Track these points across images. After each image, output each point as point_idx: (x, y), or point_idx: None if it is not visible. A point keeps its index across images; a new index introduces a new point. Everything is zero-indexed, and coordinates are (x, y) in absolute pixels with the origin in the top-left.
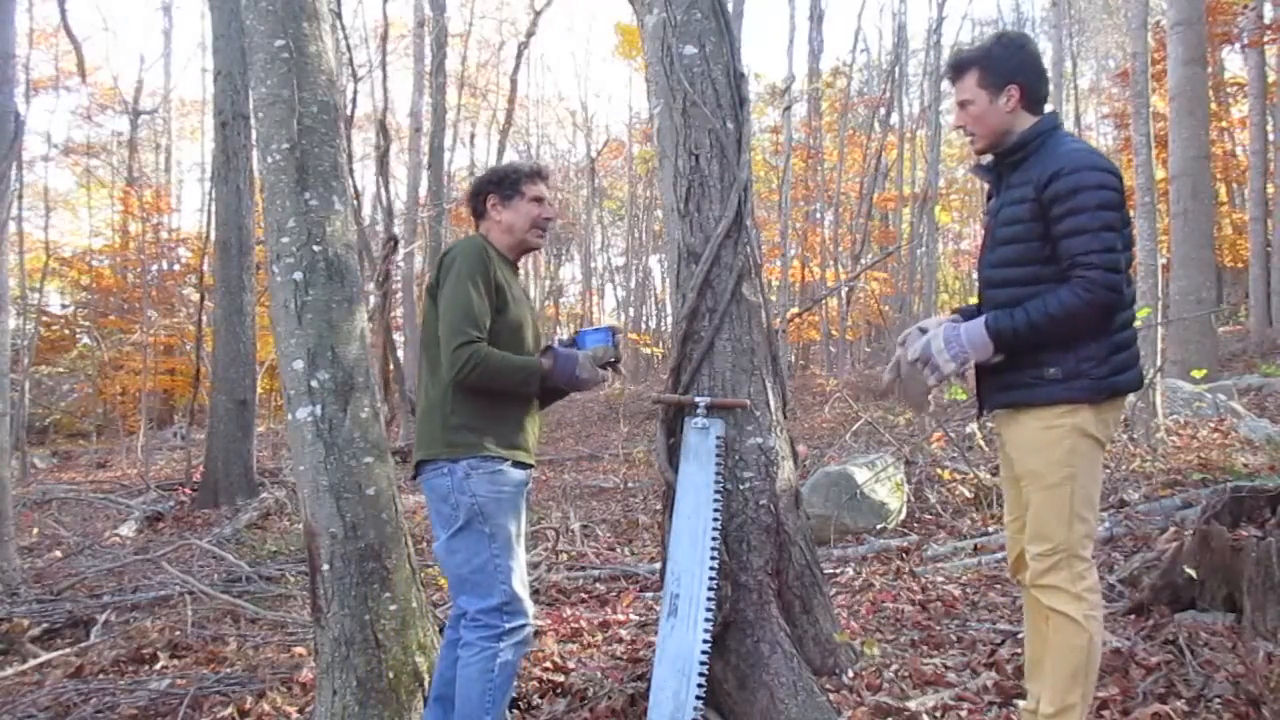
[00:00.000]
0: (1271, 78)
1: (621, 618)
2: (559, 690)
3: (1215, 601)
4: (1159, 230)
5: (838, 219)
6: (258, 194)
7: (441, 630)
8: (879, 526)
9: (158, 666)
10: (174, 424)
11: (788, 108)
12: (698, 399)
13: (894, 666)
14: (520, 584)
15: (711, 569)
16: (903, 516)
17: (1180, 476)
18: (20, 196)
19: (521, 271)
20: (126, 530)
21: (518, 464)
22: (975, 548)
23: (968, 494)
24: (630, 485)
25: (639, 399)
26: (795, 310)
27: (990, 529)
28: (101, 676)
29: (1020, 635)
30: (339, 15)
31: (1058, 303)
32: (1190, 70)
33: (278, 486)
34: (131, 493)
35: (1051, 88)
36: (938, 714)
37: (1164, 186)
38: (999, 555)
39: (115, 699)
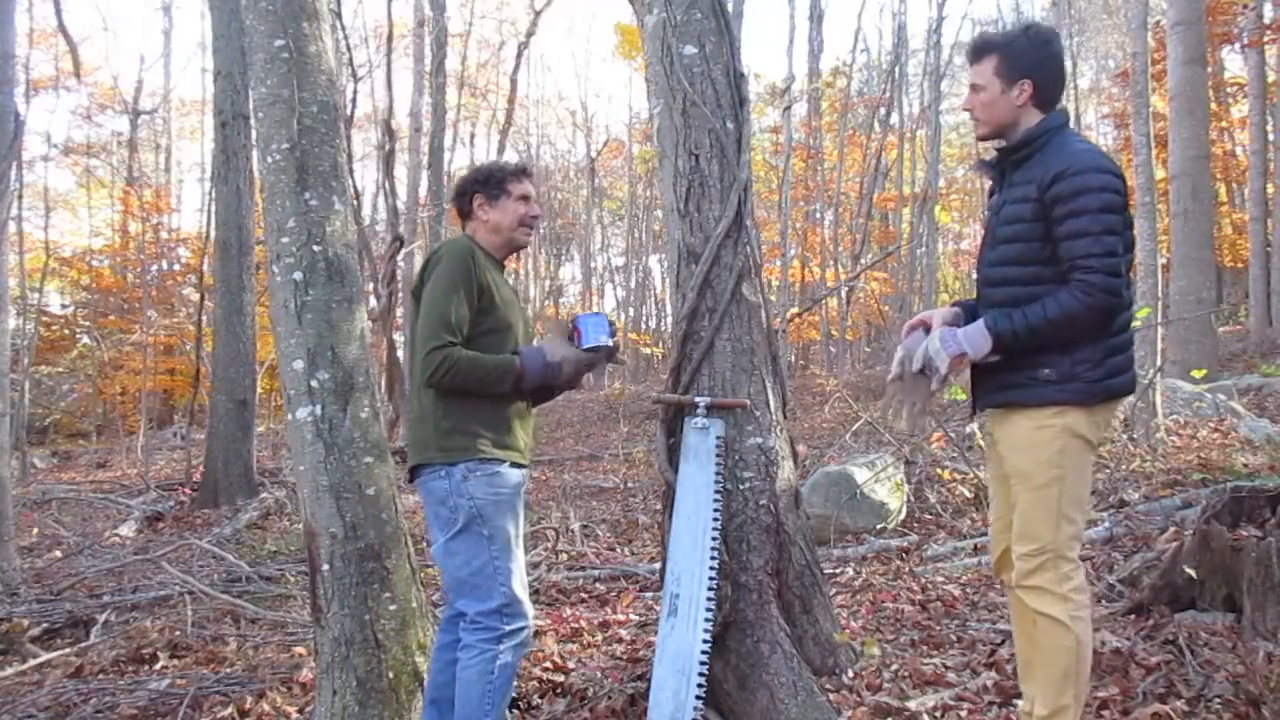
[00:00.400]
0: (1271, 78)
1: (621, 618)
2: (559, 690)
3: (1215, 601)
4: (1159, 230)
5: (838, 219)
6: (258, 194)
7: None
8: (879, 526)
9: (158, 666)
10: (174, 424)
11: (788, 108)
12: (698, 399)
13: (894, 666)
14: (519, 585)
15: (711, 569)
16: (903, 516)
17: (1180, 476)
18: (20, 196)
19: (521, 271)
20: (126, 530)
21: (514, 465)
22: (975, 548)
23: (968, 494)
24: (630, 485)
25: (639, 399)
26: (795, 310)
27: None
28: (101, 676)
29: None
30: (339, 15)
31: (1057, 306)
32: (1190, 70)
33: (278, 486)
34: (131, 493)
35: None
36: (938, 714)
37: (1164, 186)
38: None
39: (115, 699)
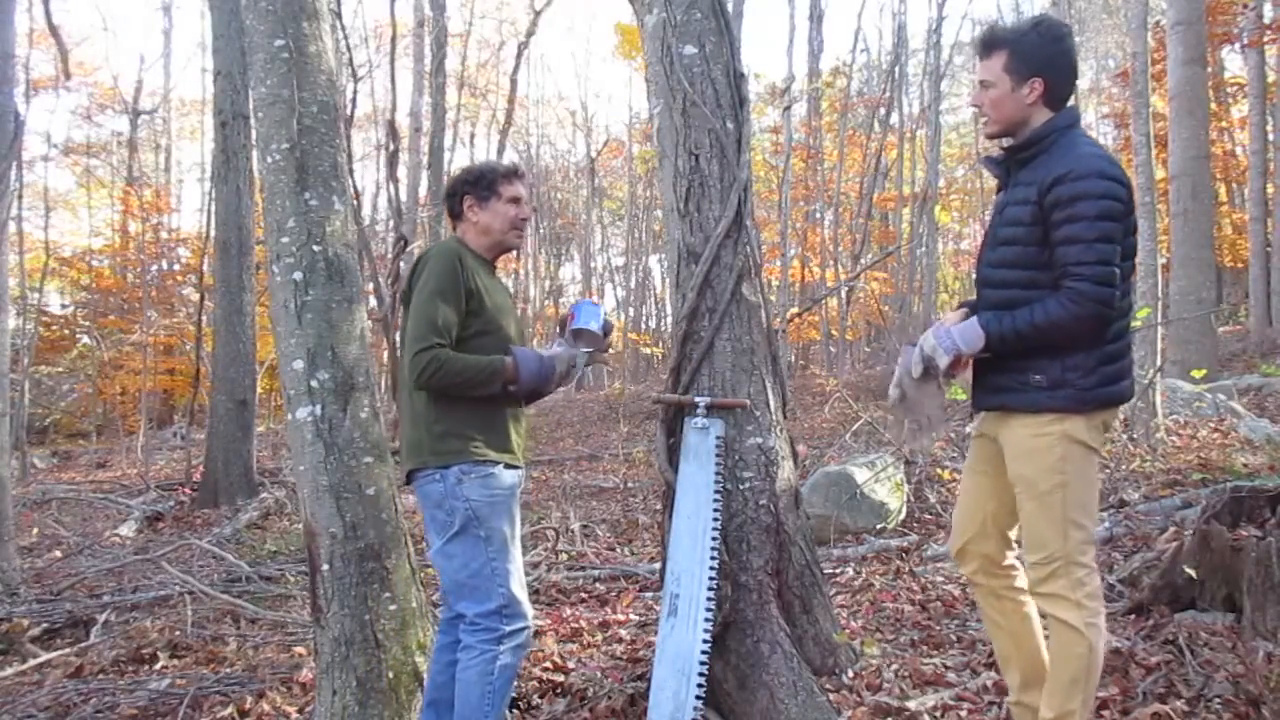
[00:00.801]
0: (1271, 78)
1: (621, 618)
2: (559, 690)
3: (1215, 601)
4: (1159, 230)
5: (838, 219)
6: (258, 194)
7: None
8: (879, 526)
9: (158, 666)
10: (174, 424)
11: (788, 108)
12: (698, 399)
13: (894, 666)
14: (518, 586)
15: (711, 569)
16: (903, 516)
17: (1180, 476)
18: (20, 196)
19: (521, 271)
20: (126, 530)
21: (508, 466)
22: None
23: None
24: (630, 485)
25: (639, 399)
26: (795, 310)
27: None
28: (101, 676)
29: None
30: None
31: (1044, 313)
32: (1190, 70)
33: (278, 486)
34: (131, 493)
35: None
36: (938, 714)
37: (1164, 186)
38: None
39: (115, 699)
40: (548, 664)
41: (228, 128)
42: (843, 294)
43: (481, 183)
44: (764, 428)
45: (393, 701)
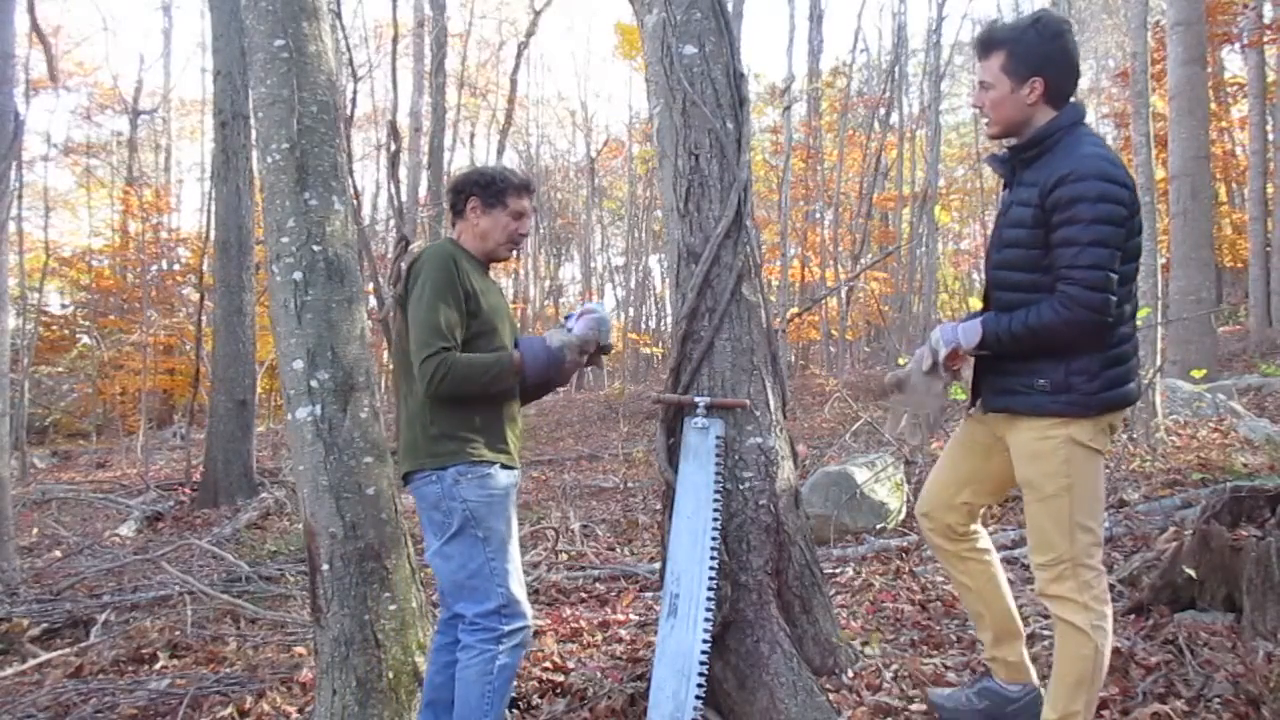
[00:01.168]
0: (1271, 78)
1: (621, 618)
2: (559, 690)
3: (1215, 601)
4: (1159, 230)
5: (838, 219)
6: (258, 194)
7: None
8: (879, 526)
9: (157, 666)
10: (174, 424)
11: (787, 108)
12: (697, 399)
13: (894, 666)
14: (517, 585)
15: (711, 569)
16: (903, 516)
17: (1180, 476)
18: (20, 196)
19: (521, 271)
20: (126, 530)
21: (504, 467)
22: None
23: None
24: (630, 485)
25: (639, 399)
26: (795, 310)
27: (989, 529)
28: (101, 676)
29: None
30: (339, 15)
31: (1037, 316)
32: (1190, 70)
33: (278, 486)
34: (131, 493)
35: None
36: (937, 714)
37: (1164, 186)
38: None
39: (115, 699)
40: (548, 664)
41: (228, 128)
42: (843, 294)
43: (491, 189)
44: (764, 428)
45: (393, 701)
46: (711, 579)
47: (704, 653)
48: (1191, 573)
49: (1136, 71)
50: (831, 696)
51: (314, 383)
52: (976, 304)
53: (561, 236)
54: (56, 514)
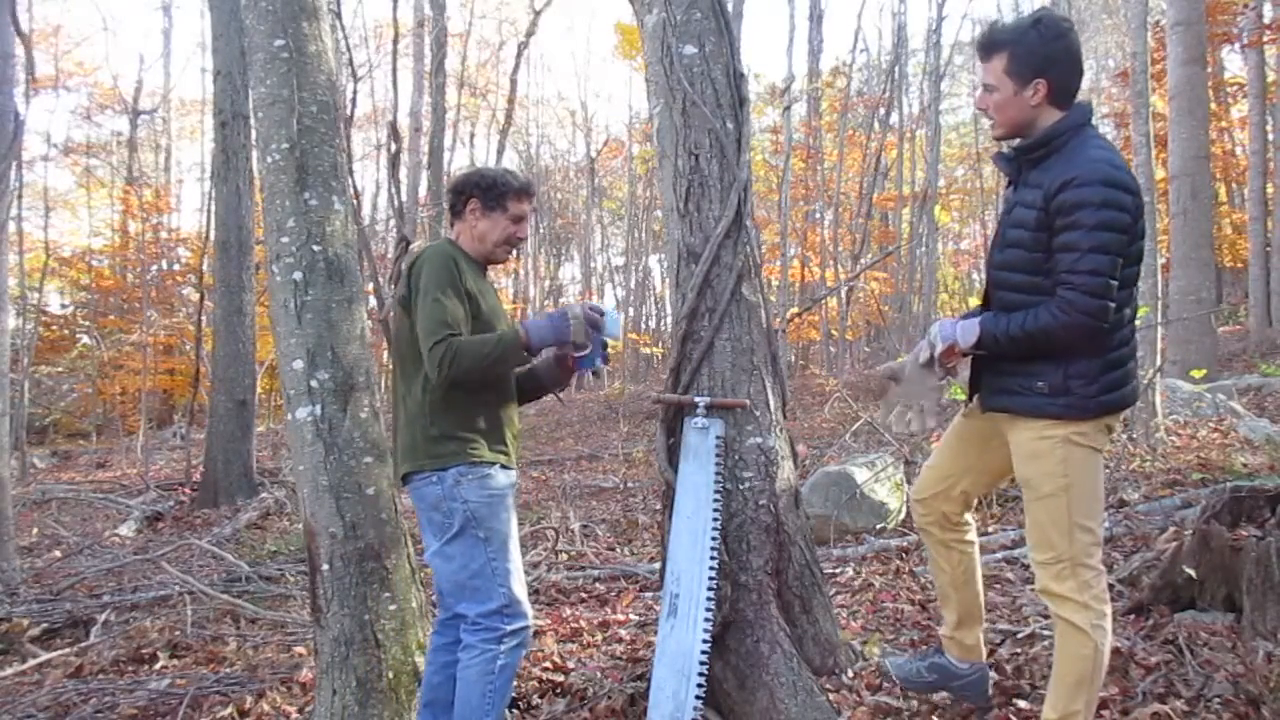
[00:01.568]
0: (1271, 78)
1: (621, 618)
2: (559, 690)
3: (1215, 601)
4: (1159, 230)
5: (837, 219)
6: (258, 194)
7: None
8: (879, 526)
9: (157, 666)
10: (174, 424)
11: (787, 108)
12: (697, 399)
13: None
14: (518, 585)
15: (711, 569)
16: (903, 516)
17: (1180, 476)
18: (20, 196)
19: (521, 271)
20: (126, 530)
21: (503, 468)
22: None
23: None
24: (630, 485)
25: (639, 399)
26: (795, 310)
27: (990, 529)
28: (101, 676)
29: (1020, 635)
30: (339, 15)
31: (1034, 320)
32: (1190, 70)
33: (278, 486)
34: (131, 493)
35: None
36: (937, 714)
37: (1164, 186)
38: (998, 555)
39: (115, 699)
40: (548, 664)
41: (227, 128)
42: (843, 294)
43: (492, 191)
44: (764, 428)
45: (393, 701)
46: (711, 579)
47: (704, 653)
48: (1191, 573)
49: (1136, 71)
50: (831, 696)
51: (314, 383)
52: (976, 304)
53: (561, 236)
54: (56, 514)
